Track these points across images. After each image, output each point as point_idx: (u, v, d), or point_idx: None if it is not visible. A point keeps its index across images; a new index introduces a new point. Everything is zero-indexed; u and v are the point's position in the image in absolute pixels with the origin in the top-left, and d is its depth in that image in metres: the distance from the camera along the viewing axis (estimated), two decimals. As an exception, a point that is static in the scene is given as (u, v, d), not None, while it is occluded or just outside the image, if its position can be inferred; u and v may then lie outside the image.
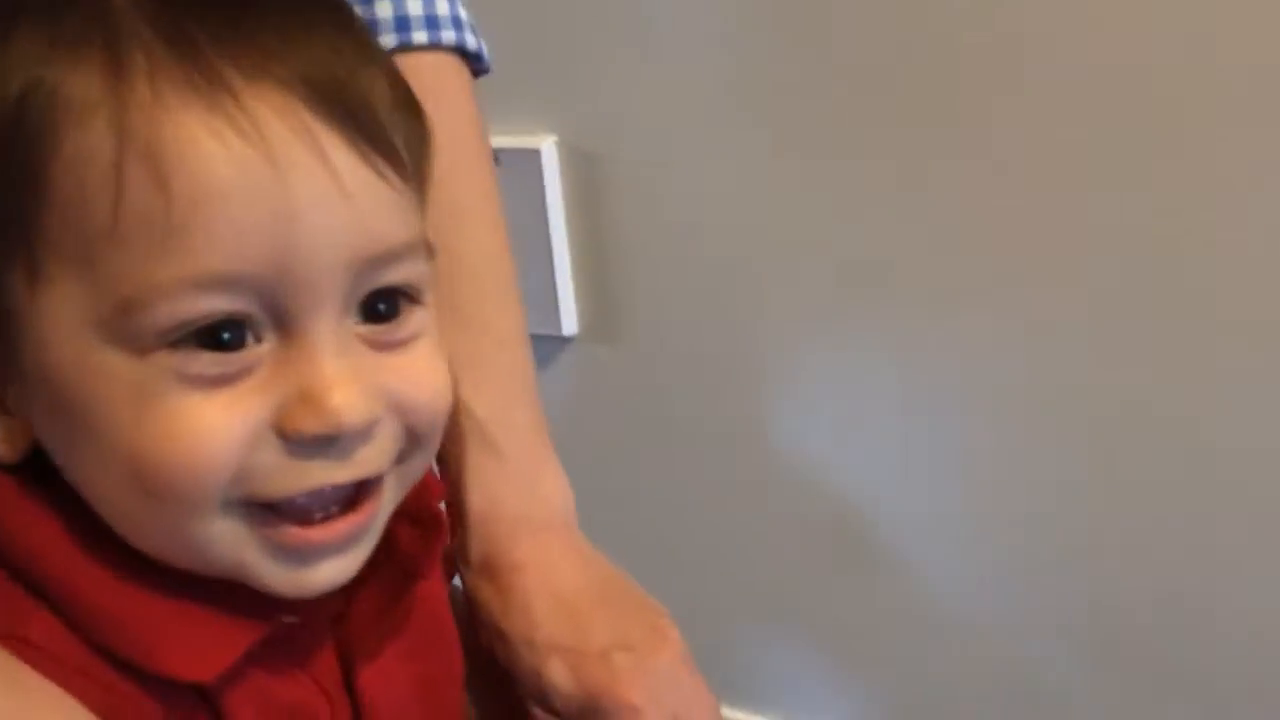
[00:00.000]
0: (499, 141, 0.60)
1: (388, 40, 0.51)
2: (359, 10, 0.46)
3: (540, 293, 0.86)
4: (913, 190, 0.82)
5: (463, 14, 0.55)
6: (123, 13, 0.33)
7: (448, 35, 0.53)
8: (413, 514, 0.44)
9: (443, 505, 0.50)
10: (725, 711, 0.58)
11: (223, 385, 0.34)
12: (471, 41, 0.55)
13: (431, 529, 0.44)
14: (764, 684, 0.97)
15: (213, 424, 0.34)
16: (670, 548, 0.96)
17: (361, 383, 0.36)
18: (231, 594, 0.38)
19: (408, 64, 0.48)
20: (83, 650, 0.36)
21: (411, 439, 0.39)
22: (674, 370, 0.93)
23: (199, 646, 0.37)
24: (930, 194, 0.82)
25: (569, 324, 0.92)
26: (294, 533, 0.36)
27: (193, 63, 0.33)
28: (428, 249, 0.38)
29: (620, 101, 0.87)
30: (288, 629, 0.40)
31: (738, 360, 0.91)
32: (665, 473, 0.97)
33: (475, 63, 0.56)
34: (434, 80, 0.51)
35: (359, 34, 0.39)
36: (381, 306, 0.37)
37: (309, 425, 0.35)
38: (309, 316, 0.35)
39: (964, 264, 0.82)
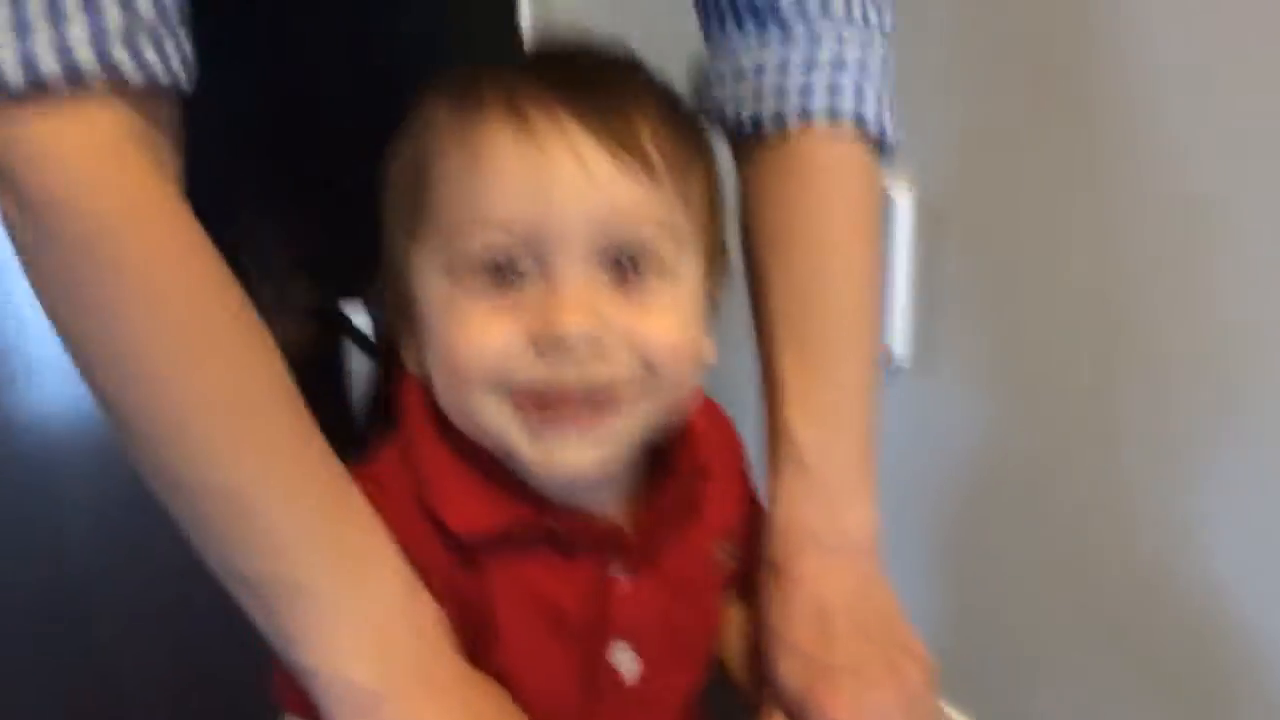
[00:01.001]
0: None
1: (822, 117, 0.61)
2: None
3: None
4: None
5: (887, 104, 0.63)
6: (487, 94, 0.50)
7: (869, 118, 0.62)
8: (688, 469, 0.56)
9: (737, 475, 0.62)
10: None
11: (499, 306, 0.50)
12: (890, 130, 0.63)
13: (696, 481, 0.56)
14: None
15: (484, 329, 0.50)
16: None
17: (588, 310, 0.49)
18: (517, 490, 0.53)
19: (816, 138, 0.61)
20: (407, 497, 0.53)
21: (649, 370, 0.51)
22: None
23: (470, 510, 0.53)
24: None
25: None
26: (539, 415, 0.50)
27: (512, 108, 0.50)
28: (670, 231, 0.51)
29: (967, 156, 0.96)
30: (561, 533, 0.53)
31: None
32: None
33: (879, 142, 0.63)
34: (837, 161, 0.62)
35: (646, 91, 0.53)
36: (624, 263, 0.50)
37: (544, 332, 0.48)
38: (558, 259, 0.49)
39: None
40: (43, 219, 0.47)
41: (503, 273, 0.49)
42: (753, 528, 0.62)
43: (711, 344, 0.57)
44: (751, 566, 0.61)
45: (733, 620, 0.64)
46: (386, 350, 0.59)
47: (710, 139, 0.58)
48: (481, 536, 0.53)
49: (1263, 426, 0.79)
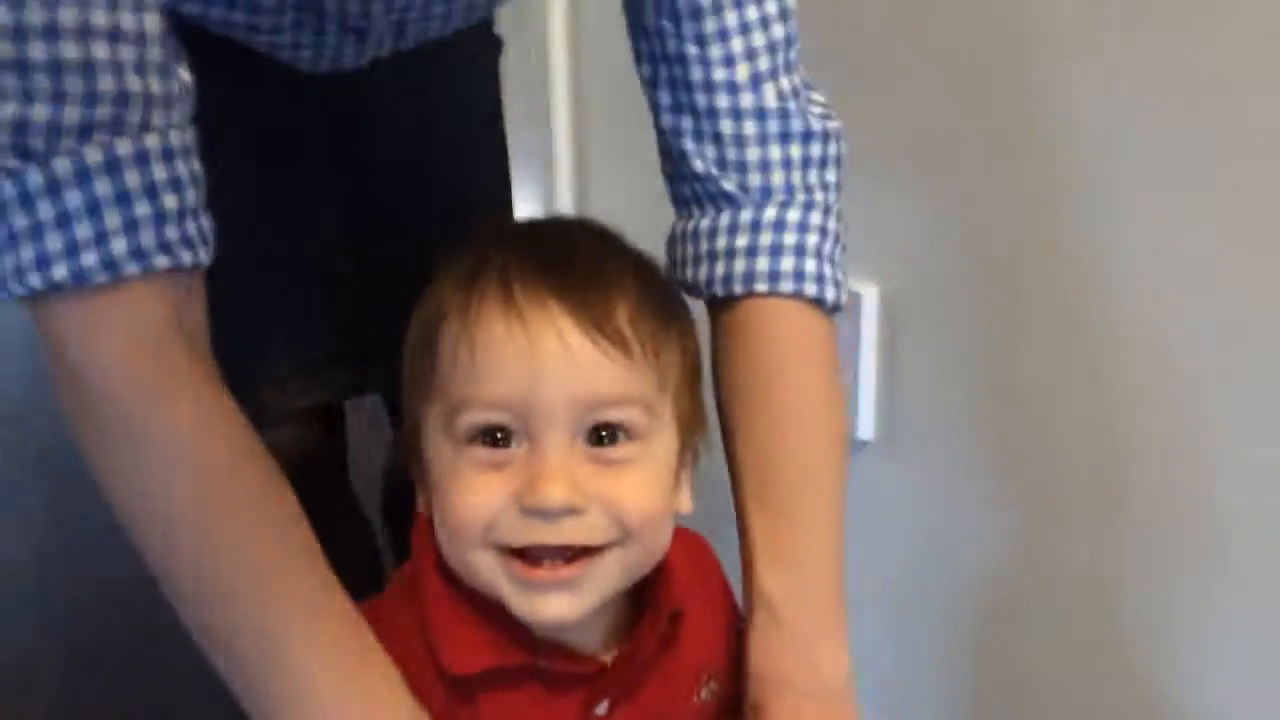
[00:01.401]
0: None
1: (761, 287, 0.66)
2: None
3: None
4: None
5: (828, 272, 0.67)
6: (484, 276, 0.56)
7: (810, 289, 0.67)
8: (665, 609, 0.60)
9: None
10: None
11: (492, 470, 0.55)
12: (830, 296, 0.67)
13: (671, 621, 0.61)
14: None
15: (479, 496, 0.55)
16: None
17: (570, 480, 0.54)
18: (507, 632, 0.58)
19: (771, 305, 0.66)
20: (411, 632, 0.59)
21: (624, 531, 0.56)
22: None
23: (465, 652, 0.58)
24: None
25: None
26: (524, 569, 0.55)
27: (505, 295, 0.55)
28: (645, 406, 0.56)
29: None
30: (547, 670, 0.58)
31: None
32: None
33: (832, 309, 0.69)
34: (793, 325, 0.67)
35: (625, 272, 0.58)
36: (602, 434, 0.55)
37: (528, 500, 0.54)
38: (545, 433, 0.54)
39: None
40: (85, 396, 0.54)
41: (496, 438, 0.55)
42: (738, 660, 0.66)
43: (687, 497, 0.62)
44: (738, 699, 0.65)
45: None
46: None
47: (685, 307, 0.63)
48: (474, 677, 0.58)
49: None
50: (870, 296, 1.04)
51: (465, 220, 0.76)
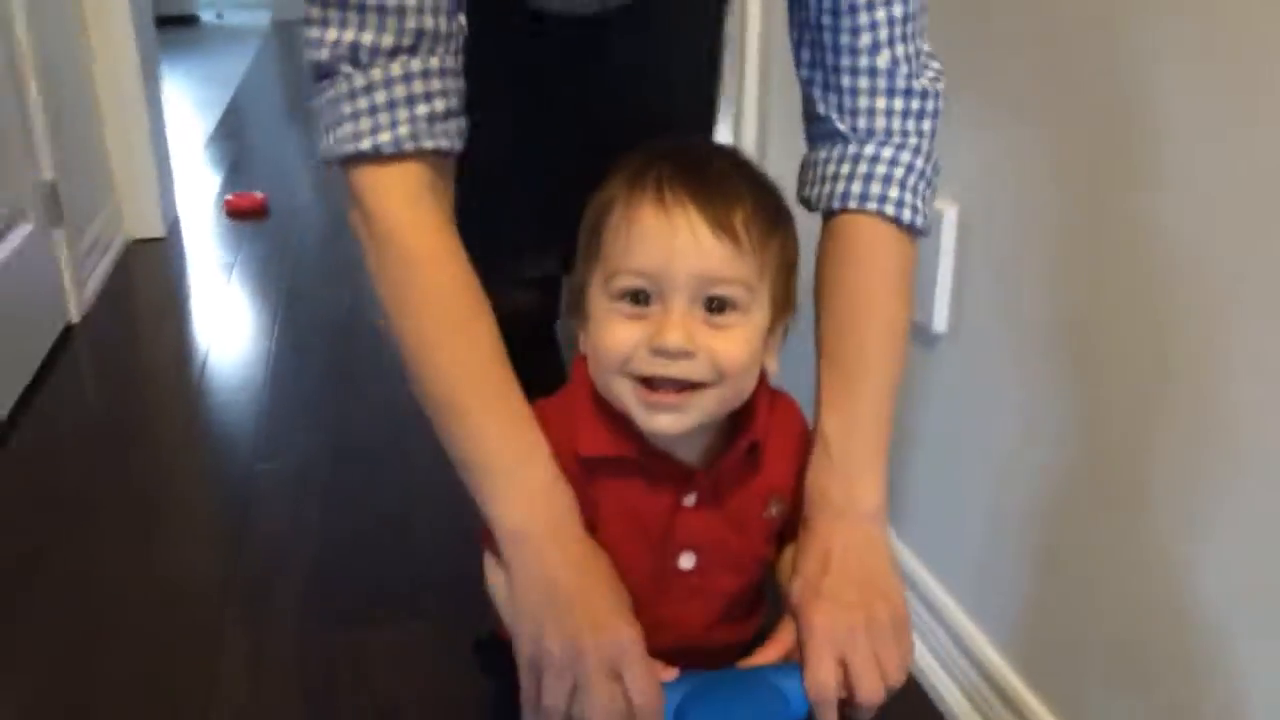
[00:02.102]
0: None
1: (853, 205, 0.82)
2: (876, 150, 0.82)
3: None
4: None
5: (908, 199, 0.82)
6: (645, 178, 0.73)
7: (890, 210, 0.81)
8: (747, 441, 0.78)
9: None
10: None
11: (632, 320, 0.72)
12: (906, 217, 0.82)
13: (756, 456, 0.79)
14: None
15: (621, 336, 0.72)
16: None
17: (686, 332, 0.71)
18: (627, 436, 0.76)
19: (859, 219, 0.82)
20: (562, 426, 0.78)
21: (720, 374, 0.73)
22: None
23: (594, 442, 0.77)
24: None
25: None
26: (646, 393, 0.73)
27: (657, 194, 0.72)
28: (747, 287, 0.72)
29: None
30: (649, 467, 0.77)
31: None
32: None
33: (912, 230, 0.83)
34: (874, 236, 0.82)
35: (758, 186, 0.76)
36: (713, 303, 0.72)
37: (655, 342, 0.71)
38: (672, 297, 0.71)
39: None
40: (372, 232, 0.76)
41: (637, 298, 0.73)
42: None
43: (774, 360, 0.78)
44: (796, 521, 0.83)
45: (786, 552, 0.84)
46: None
47: (790, 218, 0.78)
48: (598, 459, 0.77)
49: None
50: (950, 214, 1.22)
51: None
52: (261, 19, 7.02)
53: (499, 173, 0.99)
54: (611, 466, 0.78)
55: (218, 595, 1.56)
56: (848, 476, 0.80)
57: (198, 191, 3.51)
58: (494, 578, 0.79)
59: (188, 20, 7.21)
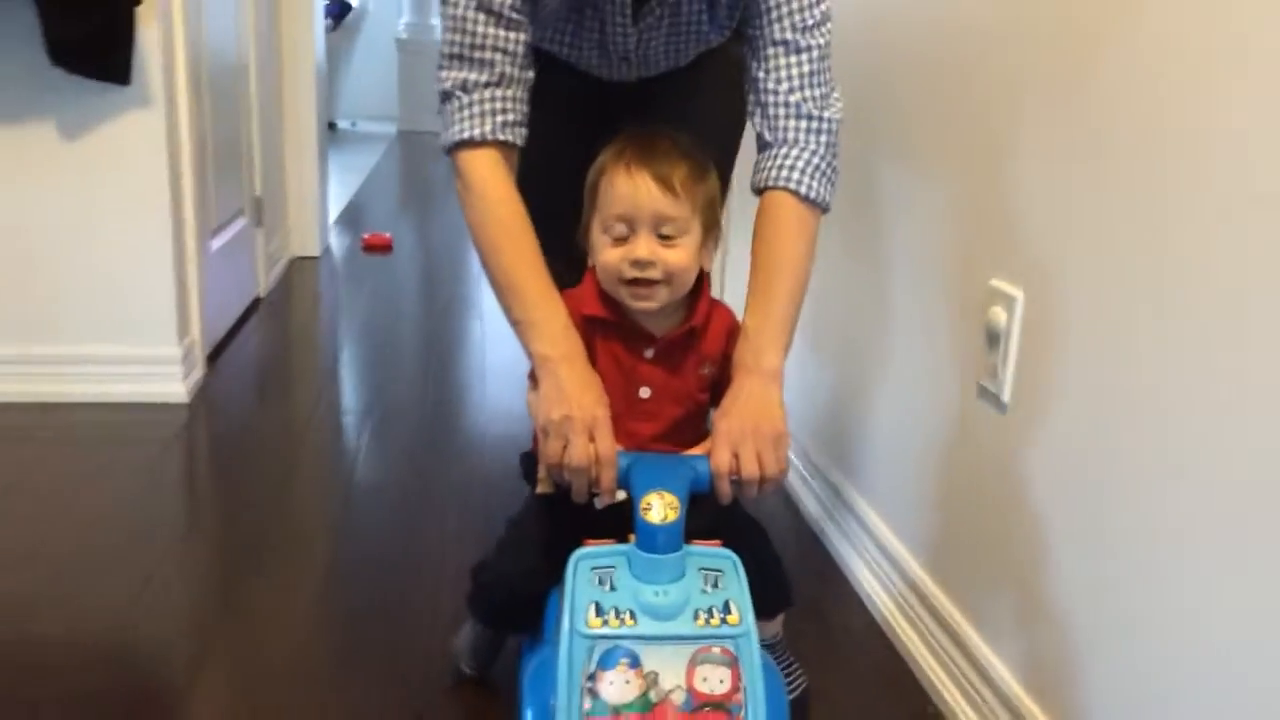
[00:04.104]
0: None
1: (773, 184, 1.27)
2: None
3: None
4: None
5: (811, 182, 1.25)
6: (620, 157, 1.19)
7: (797, 188, 1.26)
8: (690, 325, 1.23)
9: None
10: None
11: (617, 245, 1.18)
12: (803, 191, 1.25)
13: (695, 335, 1.24)
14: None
15: (613, 256, 1.18)
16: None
17: (650, 250, 1.16)
18: (614, 311, 1.23)
19: (778, 194, 1.26)
20: (575, 304, 1.24)
21: (669, 274, 1.17)
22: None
23: (592, 306, 1.23)
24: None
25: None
26: (630, 288, 1.18)
27: (627, 167, 1.18)
28: (684, 221, 1.17)
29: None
30: (625, 328, 1.23)
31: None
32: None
33: (824, 208, 1.29)
34: (787, 206, 1.26)
35: (687, 156, 1.19)
36: (664, 233, 1.17)
37: (633, 256, 1.17)
38: (640, 231, 1.17)
39: None
40: (467, 189, 1.27)
41: (620, 233, 1.18)
42: (728, 356, 1.26)
43: (709, 261, 1.22)
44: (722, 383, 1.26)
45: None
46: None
47: (714, 176, 1.22)
48: (596, 319, 1.23)
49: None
50: (1019, 298, 1.37)
51: None
52: (389, 128, 8.26)
53: (544, 175, 1.33)
54: (603, 326, 1.24)
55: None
56: (758, 349, 1.23)
57: (340, 235, 4.72)
58: (531, 398, 1.24)
59: (330, 126, 8.38)
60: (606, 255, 1.18)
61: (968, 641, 1.49)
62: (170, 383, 2.51)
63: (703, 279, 1.24)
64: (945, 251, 1.60)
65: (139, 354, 2.48)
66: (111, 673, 1.52)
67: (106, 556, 1.82)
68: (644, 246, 1.16)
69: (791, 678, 1.43)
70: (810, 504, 2.12)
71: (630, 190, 1.16)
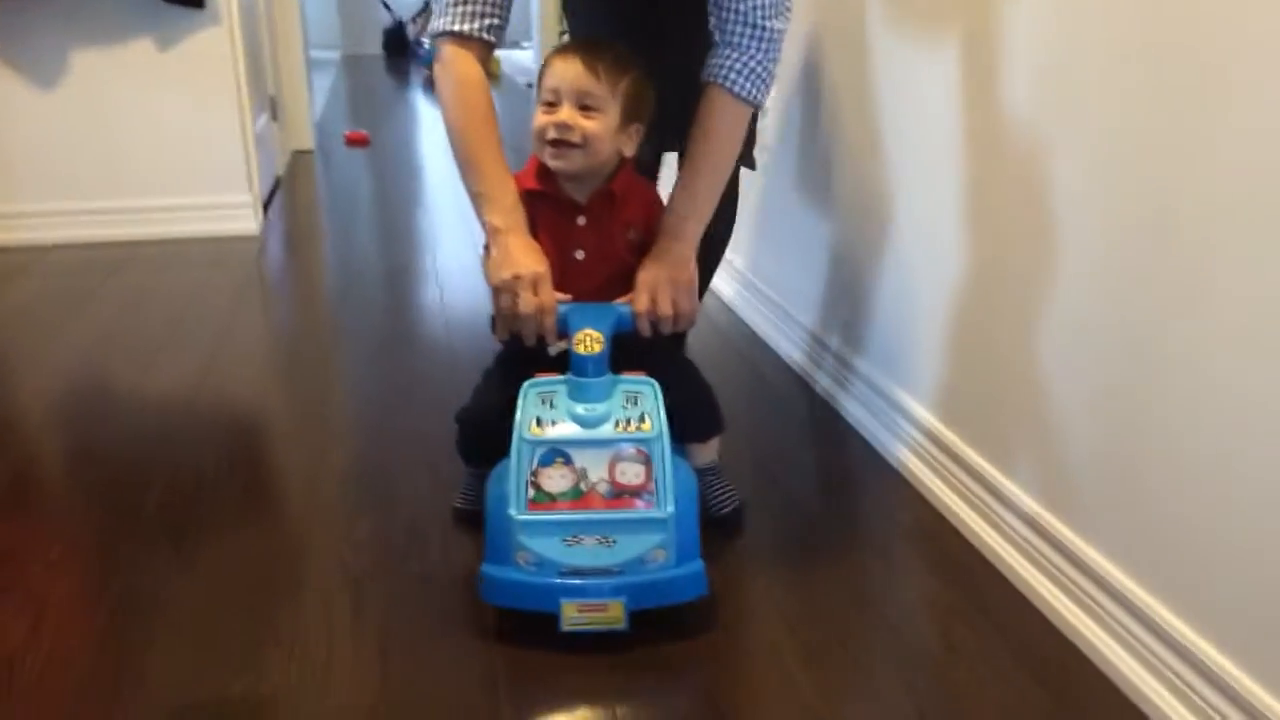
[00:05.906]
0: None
1: (712, 80, 1.50)
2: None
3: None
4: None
5: (746, 82, 1.48)
6: (565, 49, 1.46)
7: (732, 87, 1.48)
8: (611, 191, 1.47)
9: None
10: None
11: (546, 112, 1.41)
12: (736, 89, 1.47)
13: (613, 199, 1.48)
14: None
15: (543, 120, 1.42)
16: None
17: (572, 117, 1.39)
18: (547, 183, 1.48)
19: (715, 89, 1.50)
20: (520, 183, 1.49)
21: (586, 142, 1.40)
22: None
23: (529, 181, 1.48)
24: None
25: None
26: (552, 148, 1.41)
27: (565, 55, 1.43)
28: (602, 98, 1.39)
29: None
30: (557, 198, 1.48)
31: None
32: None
33: (754, 105, 1.52)
34: (723, 102, 1.49)
35: (620, 57, 1.42)
36: (585, 105, 1.40)
37: (556, 119, 1.40)
38: (564, 101, 1.41)
39: None
40: (444, 70, 1.49)
41: (549, 102, 1.41)
42: (651, 224, 1.52)
43: (630, 146, 1.44)
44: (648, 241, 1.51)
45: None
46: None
47: (639, 70, 1.43)
48: (534, 192, 1.46)
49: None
50: None
51: None
52: (333, 54, 9.32)
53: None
54: (540, 199, 1.47)
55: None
56: (680, 218, 1.50)
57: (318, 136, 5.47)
58: (486, 264, 1.46)
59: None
60: (537, 120, 1.41)
61: (984, 473, 1.59)
62: (247, 221, 3.54)
63: (623, 163, 1.48)
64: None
65: (222, 200, 3.49)
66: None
67: (243, 329, 2.64)
68: (565, 112, 1.39)
69: (725, 496, 1.64)
70: (823, 380, 2.18)
71: (561, 68, 1.40)
